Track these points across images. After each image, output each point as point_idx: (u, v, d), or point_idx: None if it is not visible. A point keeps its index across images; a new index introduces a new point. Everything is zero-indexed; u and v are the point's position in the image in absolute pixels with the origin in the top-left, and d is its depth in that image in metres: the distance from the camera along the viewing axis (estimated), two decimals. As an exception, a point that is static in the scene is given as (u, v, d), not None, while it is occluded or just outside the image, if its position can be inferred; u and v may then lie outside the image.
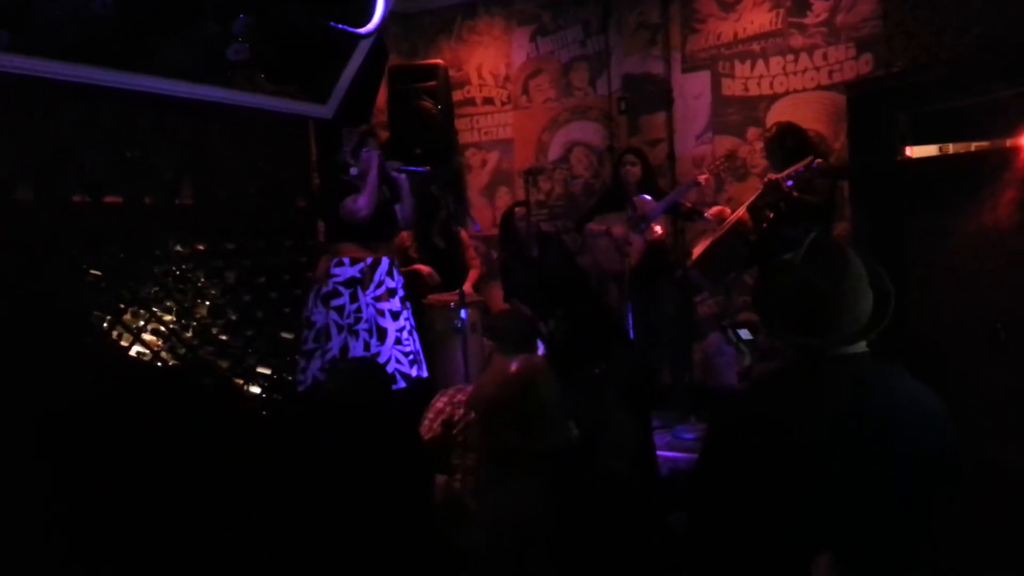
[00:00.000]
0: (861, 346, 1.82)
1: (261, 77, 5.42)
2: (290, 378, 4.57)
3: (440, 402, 2.76)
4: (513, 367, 2.09)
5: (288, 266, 4.91)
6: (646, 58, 5.76)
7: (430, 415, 2.74)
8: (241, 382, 4.43)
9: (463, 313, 4.70)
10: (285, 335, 4.71)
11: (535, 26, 6.18)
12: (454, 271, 5.37)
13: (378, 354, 4.03)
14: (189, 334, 4.28)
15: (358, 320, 4.04)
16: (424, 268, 5.20)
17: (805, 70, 5.26)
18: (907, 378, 1.81)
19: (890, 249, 3.78)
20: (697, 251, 4.83)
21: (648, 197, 5.00)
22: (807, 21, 5.25)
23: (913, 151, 4.01)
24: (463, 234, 5.66)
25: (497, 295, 5.77)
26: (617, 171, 5.19)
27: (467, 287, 5.27)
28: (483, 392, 2.14)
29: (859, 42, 5.09)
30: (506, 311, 3.00)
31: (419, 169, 4.32)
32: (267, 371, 4.58)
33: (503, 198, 6.31)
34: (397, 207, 4.29)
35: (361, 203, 3.98)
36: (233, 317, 4.48)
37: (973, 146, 3.95)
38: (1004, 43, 4.24)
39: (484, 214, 6.19)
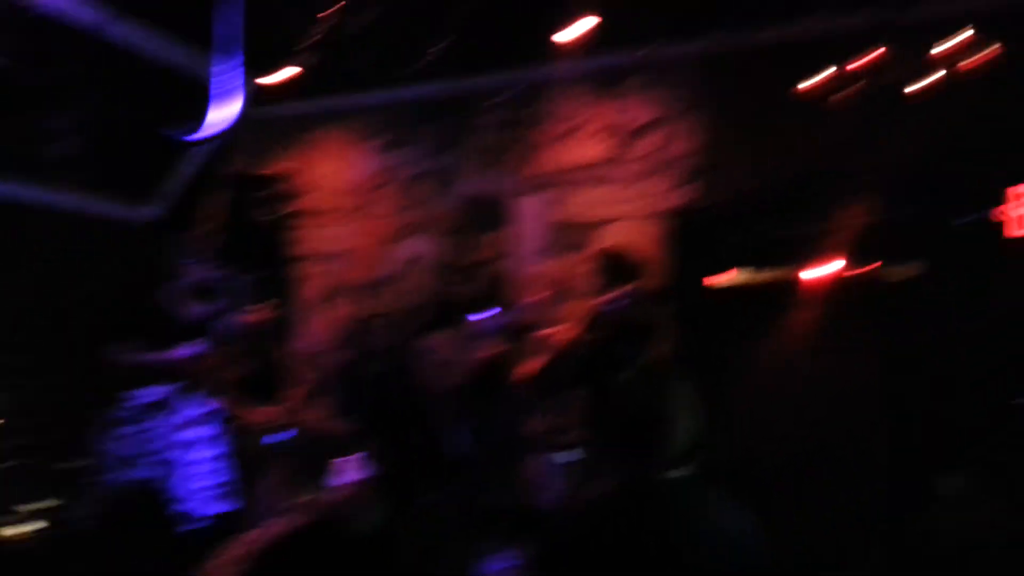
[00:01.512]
0: (685, 469, 1.93)
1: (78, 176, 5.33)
2: (76, 511, 4.28)
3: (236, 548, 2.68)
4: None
5: (87, 384, 4.68)
6: (486, 178, 6.11)
7: (222, 560, 2.64)
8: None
9: (284, 435, 4.63)
10: (75, 462, 4.44)
11: (383, 139, 6.44)
12: (273, 388, 5.29)
13: (170, 491, 3.85)
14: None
15: (152, 451, 3.89)
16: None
17: (632, 199, 5.74)
18: (726, 501, 1.93)
19: (712, 370, 4.12)
20: (528, 370, 5.02)
21: (480, 315, 5.19)
22: (636, 153, 5.79)
23: (727, 278, 4.46)
24: (286, 349, 5.62)
25: (318, 416, 5.72)
26: (452, 288, 5.38)
27: (288, 405, 5.20)
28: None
29: (682, 175, 5.63)
30: (316, 431, 2.99)
31: (263, 277, 4.30)
32: (51, 504, 4.28)
33: (339, 310, 6.34)
34: (219, 321, 4.24)
35: (196, 313, 3.94)
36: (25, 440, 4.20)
37: (782, 275, 4.43)
38: (806, 184, 4.84)
39: (317, 327, 6.19)
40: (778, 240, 4.41)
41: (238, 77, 4.24)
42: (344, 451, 3.05)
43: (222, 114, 4.08)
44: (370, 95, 6.42)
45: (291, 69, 5.69)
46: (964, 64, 4.22)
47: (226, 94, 4.26)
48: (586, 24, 5.40)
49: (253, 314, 5.30)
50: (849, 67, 4.61)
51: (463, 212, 6.14)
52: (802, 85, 4.82)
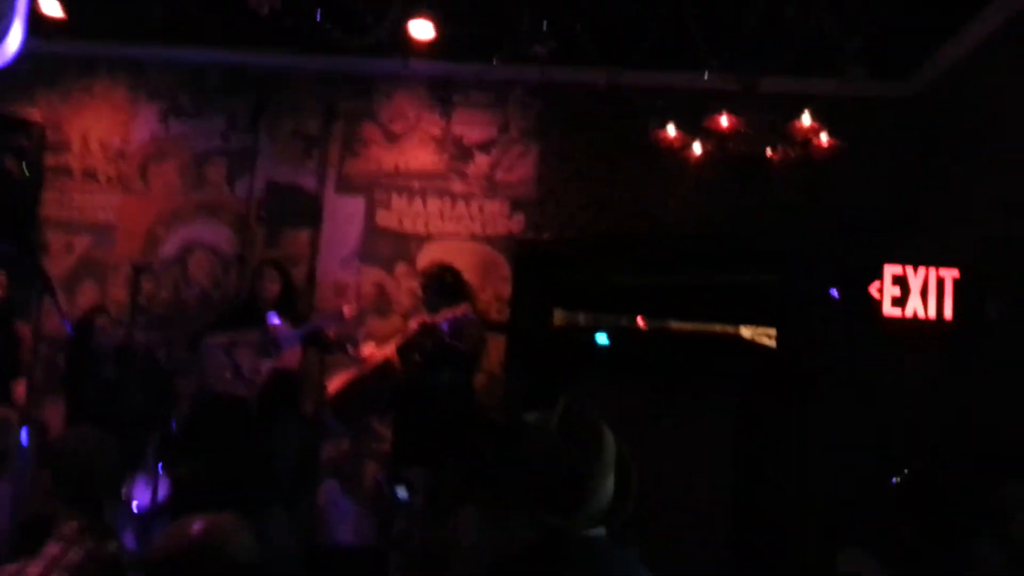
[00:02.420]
0: (601, 528, 1.74)
1: None
2: None
3: None
4: (195, 527, 1.60)
5: None
6: (297, 169, 5.57)
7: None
8: None
9: (22, 435, 3.73)
10: None
11: (168, 104, 5.64)
12: (6, 374, 4.34)
13: None
14: None
15: None
16: None
17: (460, 217, 5.48)
18: (639, 564, 1.76)
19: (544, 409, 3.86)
20: (333, 387, 4.52)
21: (278, 319, 4.61)
22: (468, 170, 5.55)
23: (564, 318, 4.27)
24: (23, 330, 4.64)
25: (58, 414, 4.77)
26: (253, 284, 4.73)
27: (18, 399, 4.27)
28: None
29: (514, 201, 5.47)
30: (81, 438, 2.36)
31: (8, 243, 3.39)
32: None
33: (88, 294, 5.40)
34: None
35: None
36: None
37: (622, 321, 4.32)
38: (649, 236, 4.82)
39: (62, 311, 5.14)
40: (617, 286, 4.32)
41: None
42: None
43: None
44: (163, 49, 5.62)
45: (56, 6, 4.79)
46: (818, 142, 4.43)
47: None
48: (426, 28, 5.12)
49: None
50: (702, 124, 4.69)
51: (265, 201, 5.49)
52: (652, 134, 4.82)
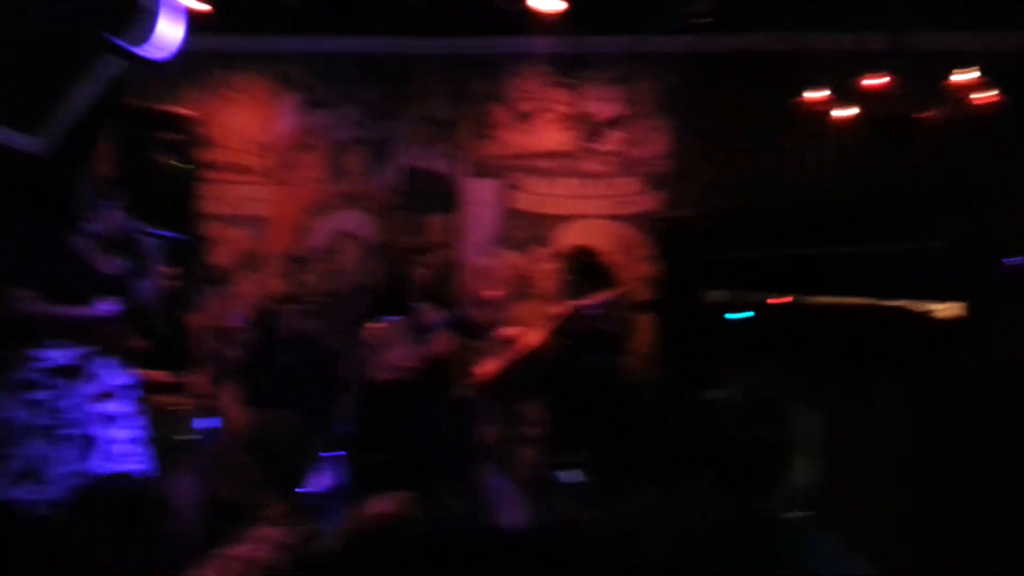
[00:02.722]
0: (798, 511, 1.73)
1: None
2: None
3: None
4: (376, 508, 1.74)
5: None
6: (432, 154, 5.68)
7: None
8: None
9: (207, 422, 4.02)
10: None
11: (308, 95, 5.83)
12: (179, 365, 4.65)
13: (80, 473, 3.25)
14: None
15: (61, 423, 3.26)
16: (156, 374, 4.42)
17: (595, 196, 5.51)
18: (843, 549, 1.74)
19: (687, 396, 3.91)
20: (484, 373, 4.67)
21: (429, 306, 4.78)
22: (600, 147, 5.54)
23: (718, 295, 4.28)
24: (194, 323, 4.97)
25: (232, 400, 5.09)
26: (400, 272, 4.92)
27: (201, 386, 4.59)
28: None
29: (649, 178, 5.44)
30: (268, 420, 2.53)
31: (175, 235, 3.66)
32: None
33: (246, 284, 5.69)
34: (138, 283, 3.60)
35: (104, 266, 3.34)
36: None
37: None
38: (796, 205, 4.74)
39: (227, 301, 5.48)
40: (774, 260, 4.28)
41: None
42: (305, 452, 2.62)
43: (168, 36, 3.45)
44: (301, 41, 5.80)
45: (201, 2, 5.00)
46: (973, 100, 4.27)
47: (171, 12, 3.62)
48: (554, 2, 5.12)
49: (164, 277, 4.62)
50: (850, 88, 4.57)
51: (404, 188, 5.66)
52: (796, 99, 4.73)
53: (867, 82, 4.50)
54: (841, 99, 4.67)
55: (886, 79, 4.43)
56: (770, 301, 4.28)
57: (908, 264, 3.96)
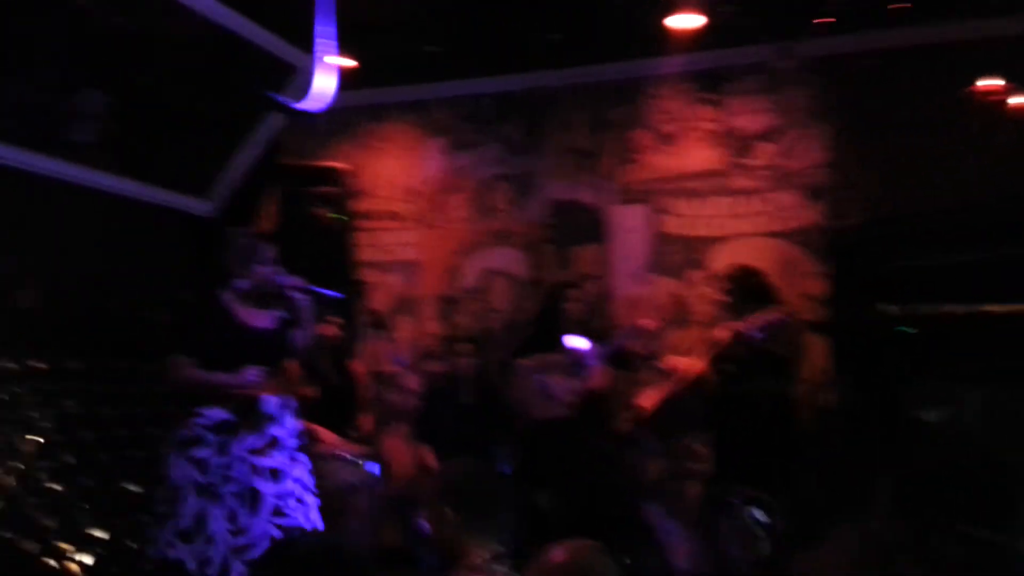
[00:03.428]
0: None
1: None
2: (134, 546, 3.75)
3: None
4: (558, 557, 1.66)
5: (144, 396, 4.18)
6: (576, 184, 5.67)
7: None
8: (70, 548, 3.59)
9: (373, 468, 4.11)
10: (131, 488, 3.93)
11: (451, 138, 5.99)
12: (347, 413, 4.80)
13: (245, 530, 3.33)
14: (9, 478, 3.45)
15: (225, 480, 3.36)
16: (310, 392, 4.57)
17: (750, 214, 5.32)
18: None
19: (885, 419, 3.64)
20: (645, 404, 4.54)
21: (582, 340, 4.72)
22: (751, 162, 5.36)
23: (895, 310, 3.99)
24: (358, 368, 5.13)
25: (396, 445, 5.21)
26: (553, 306, 4.90)
27: (366, 430, 4.72)
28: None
29: (806, 190, 5.20)
30: (461, 464, 2.51)
31: (330, 293, 3.73)
32: (104, 535, 3.76)
33: (403, 328, 5.86)
34: (295, 333, 3.71)
35: (304, 336, 3.55)
36: (68, 460, 3.68)
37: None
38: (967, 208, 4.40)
39: (387, 346, 5.65)
40: (945, 268, 3.95)
41: (332, 52, 3.76)
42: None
43: (323, 89, 3.59)
44: (442, 86, 5.97)
45: (347, 58, 5.21)
46: None
47: (323, 70, 3.77)
48: (693, 19, 5.01)
49: (324, 327, 4.80)
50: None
51: (551, 222, 5.66)
52: (965, 92, 4.39)
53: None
54: (1017, 88, 4.29)
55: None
56: (956, 312, 3.94)
57: None
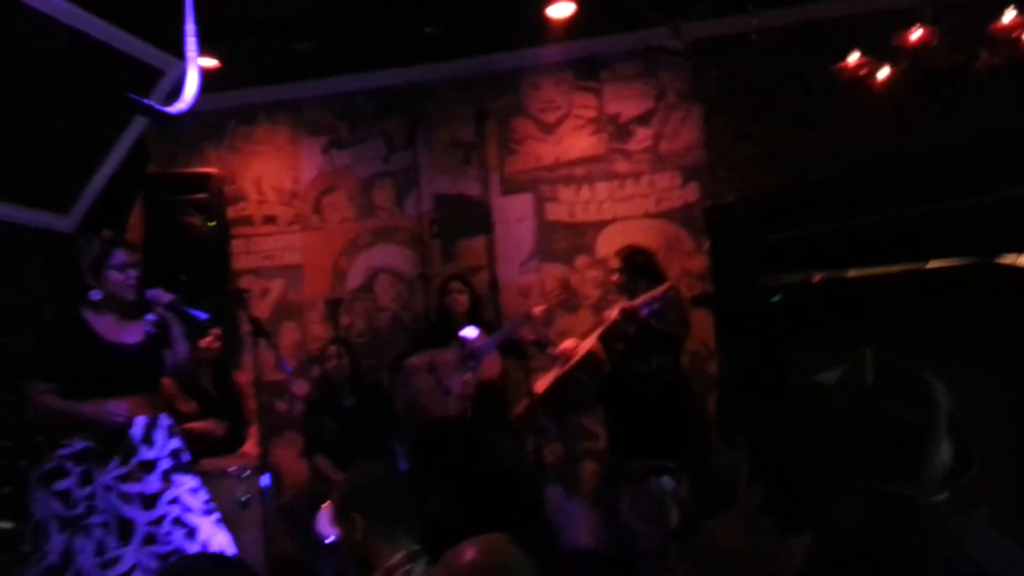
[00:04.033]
0: (943, 494, 1.57)
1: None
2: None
3: None
4: (469, 555, 1.60)
5: (9, 427, 3.92)
6: (460, 177, 5.64)
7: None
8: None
9: (263, 480, 3.97)
10: (2, 524, 3.67)
11: (328, 137, 5.85)
12: (229, 425, 4.65)
13: (115, 561, 3.15)
14: None
15: (91, 511, 3.18)
16: (201, 426, 4.41)
17: (632, 197, 5.39)
18: (990, 530, 1.59)
19: (765, 384, 3.74)
20: (541, 388, 4.56)
21: (474, 331, 4.69)
22: (630, 147, 5.44)
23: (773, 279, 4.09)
24: (241, 379, 4.97)
25: (287, 455, 5.07)
26: (441, 301, 4.85)
27: (251, 447, 4.57)
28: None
29: (684, 170, 5.31)
30: (365, 468, 2.45)
31: (197, 314, 3.53)
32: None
33: (289, 334, 5.70)
34: (166, 352, 3.53)
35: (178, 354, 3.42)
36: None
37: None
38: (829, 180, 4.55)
39: (264, 354, 5.44)
40: (813, 238, 4.08)
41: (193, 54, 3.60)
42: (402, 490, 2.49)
43: (190, 91, 3.43)
44: (316, 84, 5.83)
45: (211, 59, 5.05)
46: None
47: (190, 71, 3.61)
48: (565, 8, 5.07)
49: (202, 340, 4.62)
50: (888, 47, 4.36)
51: (435, 216, 5.61)
52: (831, 67, 4.54)
53: (905, 38, 4.28)
54: (880, 60, 4.47)
55: (925, 32, 4.21)
56: (834, 276, 4.07)
57: (992, 216, 3.68)
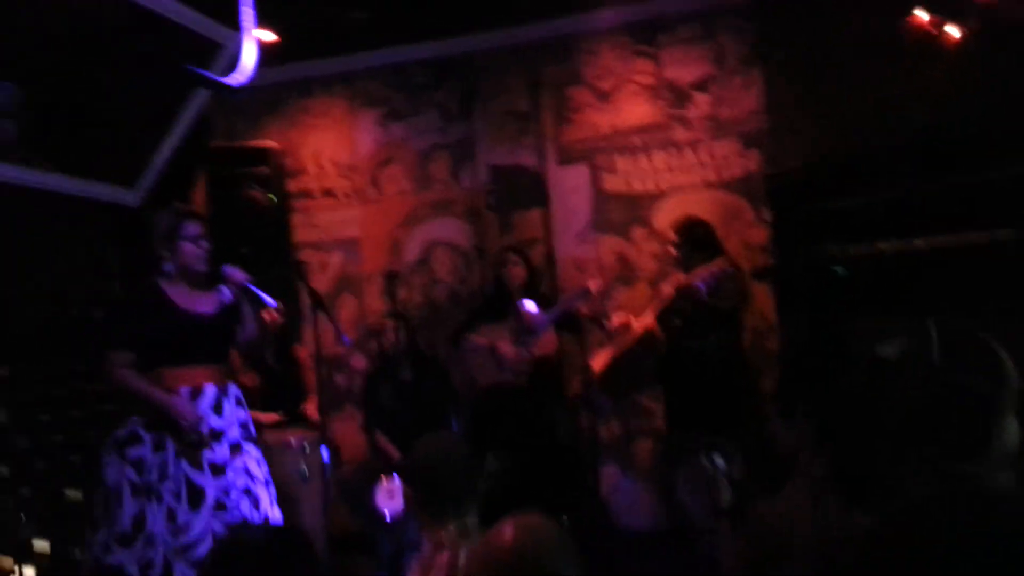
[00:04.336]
0: (1010, 474, 1.51)
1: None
2: (78, 555, 3.66)
3: None
4: (506, 536, 1.61)
5: (79, 398, 4.06)
6: (515, 148, 5.60)
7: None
8: (8, 562, 3.49)
9: (323, 454, 4.05)
10: (72, 494, 3.82)
11: (385, 109, 5.86)
12: (290, 398, 4.74)
13: (185, 528, 3.23)
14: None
15: (162, 478, 3.26)
16: (266, 417, 4.49)
17: (690, 166, 5.29)
18: None
19: (827, 357, 3.65)
20: (598, 365, 4.53)
21: (532, 304, 4.67)
22: (689, 114, 5.32)
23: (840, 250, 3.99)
24: (301, 353, 5.06)
25: (346, 428, 5.17)
26: (497, 272, 4.84)
27: (313, 411, 4.65)
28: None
29: (744, 137, 5.19)
30: (422, 445, 2.47)
31: (267, 300, 3.59)
32: (45, 546, 3.66)
33: (348, 307, 5.78)
34: (239, 328, 3.61)
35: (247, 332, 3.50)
36: (2, 470, 3.57)
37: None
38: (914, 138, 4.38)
39: (324, 327, 5.53)
40: (887, 204, 3.96)
41: (250, 25, 3.59)
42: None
43: (248, 63, 3.43)
44: (371, 56, 5.82)
45: (269, 31, 5.07)
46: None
47: (247, 43, 3.61)
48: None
49: (266, 313, 4.70)
50: (954, 4, 4.18)
51: (491, 188, 5.59)
52: (897, 26, 4.37)
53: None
54: (949, 17, 4.29)
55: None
56: (893, 247, 3.96)
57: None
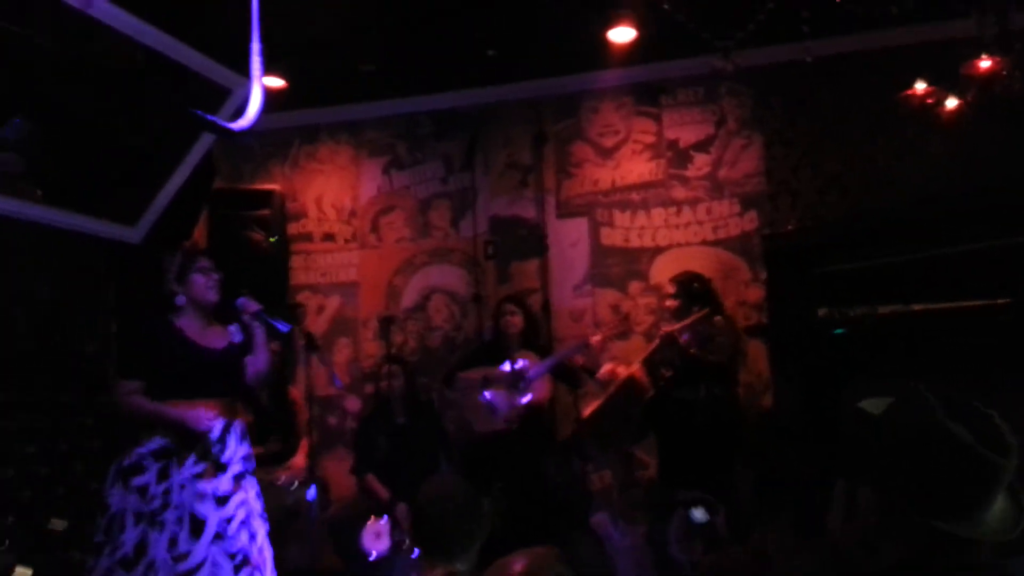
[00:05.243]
0: (994, 540, 1.52)
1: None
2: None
3: None
4: (517, 567, 1.62)
5: (66, 430, 4.05)
6: (516, 200, 5.68)
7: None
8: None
9: (310, 493, 4.02)
10: (56, 523, 3.79)
11: (388, 157, 5.96)
12: (280, 439, 4.73)
13: (186, 555, 3.24)
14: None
15: (165, 506, 3.29)
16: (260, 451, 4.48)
17: (688, 223, 5.35)
18: None
19: (825, 422, 3.65)
20: (586, 413, 4.54)
21: (526, 362, 4.70)
22: (688, 173, 5.41)
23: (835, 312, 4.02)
24: (294, 394, 5.05)
25: (336, 468, 5.13)
26: (495, 322, 4.87)
27: (300, 459, 4.64)
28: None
29: (743, 198, 5.26)
30: (422, 491, 2.43)
31: (280, 326, 3.64)
32: (28, 573, 3.62)
33: (343, 350, 5.78)
34: (248, 359, 3.64)
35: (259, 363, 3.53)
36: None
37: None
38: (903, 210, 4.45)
39: (316, 369, 5.52)
40: (882, 270, 4.00)
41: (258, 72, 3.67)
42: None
43: (255, 108, 3.50)
44: (377, 105, 5.93)
45: (278, 78, 5.18)
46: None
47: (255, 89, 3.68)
48: (626, 33, 5.06)
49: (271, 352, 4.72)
50: (952, 77, 4.28)
51: (491, 238, 5.64)
52: (895, 97, 4.47)
53: (974, 67, 4.19)
54: (948, 89, 4.38)
55: (995, 62, 4.12)
56: (890, 311, 3.98)
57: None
